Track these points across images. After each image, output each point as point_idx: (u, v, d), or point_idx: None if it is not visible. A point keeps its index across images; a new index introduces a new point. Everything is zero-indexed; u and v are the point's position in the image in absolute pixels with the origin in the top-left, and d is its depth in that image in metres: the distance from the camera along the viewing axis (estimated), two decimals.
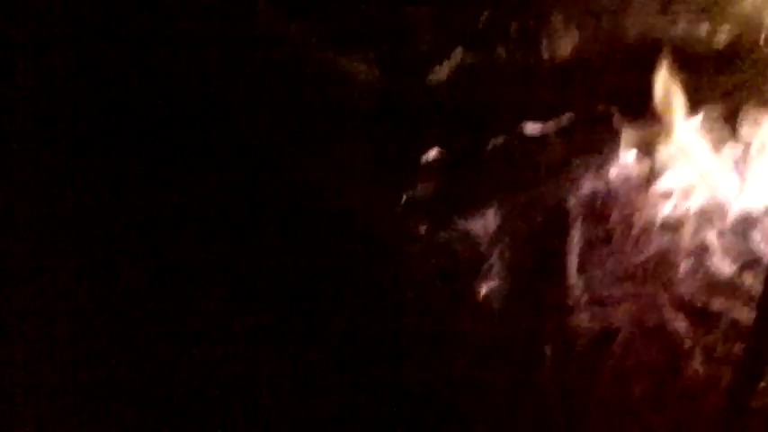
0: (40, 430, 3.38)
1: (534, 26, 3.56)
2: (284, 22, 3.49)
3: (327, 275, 3.44)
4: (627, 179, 3.47)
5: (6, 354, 3.38)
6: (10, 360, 3.38)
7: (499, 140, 3.48)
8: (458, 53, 3.54)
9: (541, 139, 3.52)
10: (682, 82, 3.41)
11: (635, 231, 3.42)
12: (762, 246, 3.35)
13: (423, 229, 3.45)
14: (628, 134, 3.47)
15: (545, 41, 3.55)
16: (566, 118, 3.49)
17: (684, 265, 3.36)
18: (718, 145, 3.43)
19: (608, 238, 3.43)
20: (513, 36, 3.55)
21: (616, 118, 3.49)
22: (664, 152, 3.46)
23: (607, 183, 3.48)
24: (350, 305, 3.40)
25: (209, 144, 3.49)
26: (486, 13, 3.51)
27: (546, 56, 3.56)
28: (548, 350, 3.31)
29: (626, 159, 3.47)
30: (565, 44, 3.49)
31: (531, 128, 3.52)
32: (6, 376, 3.37)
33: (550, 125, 3.50)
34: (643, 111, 3.45)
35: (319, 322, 3.41)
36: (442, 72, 3.51)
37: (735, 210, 3.39)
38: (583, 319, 3.34)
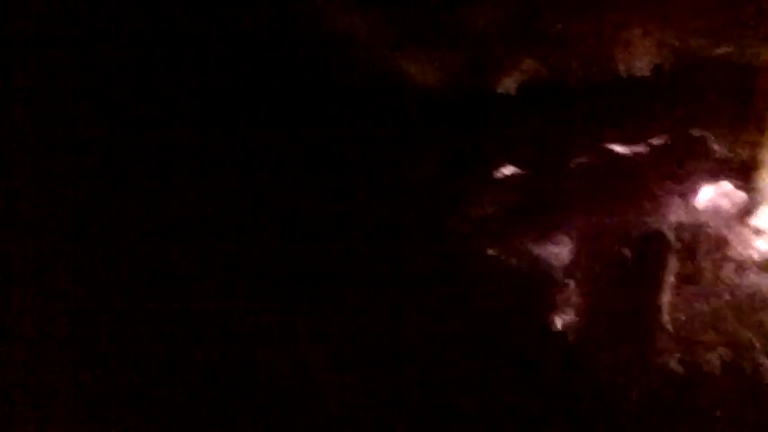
0: (41, 430, 3.39)
1: (610, 41, 3.31)
2: (355, 23, 3.35)
3: (392, 291, 3.37)
4: (720, 211, 3.26)
5: (6, 354, 3.38)
6: (10, 360, 3.39)
7: (583, 159, 3.31)
8: (528, 64, 3.35)
9: (629, 161, 3.33)
10: None
11: (728, 270, 3.22)
12: None
13: (491, 251, 3.32)
14: (723, 162, 3.28)
15: (621, 57, 3.31)
16: (657, 140, 3.30)
17: None
18: None
19: (699, 276, 3.22)
20: (586, 50, 3.31)
21: (711, 144, 3.31)
22: (762, 183, 3.26)
23: (699, 214, 3.28)
24: (412, 326, 3.31)
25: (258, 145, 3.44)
26: (559, 24, 3.30)
27: (624, 73, 3.33)
28: (633, 395, 3.15)
29: (720, 190, 3.29)
30: (644, 61, 3.27)
31: (620, 149, 3.34)
32: (6, 376, 3.38)
33: (639, 147, 3.32)
34: (740, 137, 3.26)
35: (383, 337, 3.35)
36: (510, 83, 3.35)
37: None
38: (671, 362, 3.16)
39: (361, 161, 3.45)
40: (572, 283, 3.26)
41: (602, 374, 3.17)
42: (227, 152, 3.49)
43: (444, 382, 3.35)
